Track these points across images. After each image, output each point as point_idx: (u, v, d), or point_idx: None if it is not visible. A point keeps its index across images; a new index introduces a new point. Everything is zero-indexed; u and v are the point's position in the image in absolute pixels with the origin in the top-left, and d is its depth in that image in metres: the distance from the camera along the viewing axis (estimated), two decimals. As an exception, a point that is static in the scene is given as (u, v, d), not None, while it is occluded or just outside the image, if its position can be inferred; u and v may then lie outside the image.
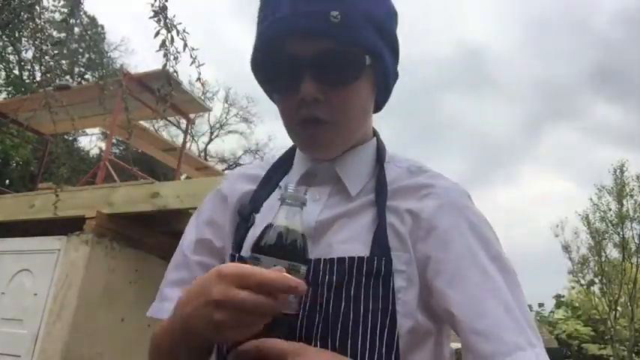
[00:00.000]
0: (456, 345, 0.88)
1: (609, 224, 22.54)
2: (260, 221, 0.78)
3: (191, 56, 2.95)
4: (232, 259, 0.78)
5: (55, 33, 6.48)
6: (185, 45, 2.91)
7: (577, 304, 28.76)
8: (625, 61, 46.62)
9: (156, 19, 2.84)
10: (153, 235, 4.45)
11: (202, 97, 13.22)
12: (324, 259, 0.72)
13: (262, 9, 0.77)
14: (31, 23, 3.68)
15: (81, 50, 16.49)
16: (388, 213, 0.75)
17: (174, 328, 0.65)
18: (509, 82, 54.84)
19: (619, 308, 22.23)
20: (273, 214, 0.65)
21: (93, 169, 7.67)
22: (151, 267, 4.34)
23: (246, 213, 0.81)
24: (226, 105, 24.44)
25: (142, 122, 7.61)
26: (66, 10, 3.68)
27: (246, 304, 0.56)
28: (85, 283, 4.03)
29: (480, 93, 54.07)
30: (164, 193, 4.13)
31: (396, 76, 0.83)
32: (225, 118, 24.60)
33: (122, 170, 7.05)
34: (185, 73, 9.83)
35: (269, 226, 0.64)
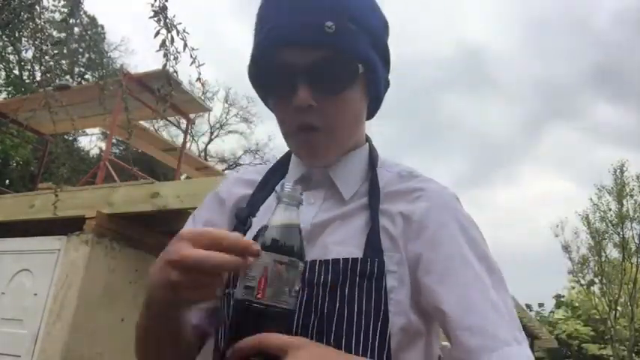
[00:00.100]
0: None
1: (609, 224, 22.56)
2: (257, 224, 0.80)
3: (191, 56, 2.95)
4: None
5: (55, 33, 6.48)
6: (185, 45, 2.92)
7: (577, 304, 28.79)
8: (625, 61, 46.67)
9: (156, 19, 2.84)
10: (153, 235, 4.45)
11: (202, 97, 13.22)
12: (320, 261, 0.74)
13: (259, 20, 0.79)
14: (31, 23, 3.68)
15: (81, 50, 16.52)
16: (381, 216, 0.78)
17: (144, 303, 0.68)
18: (509, 82, 54.90)
19: (619, 308, 22.24)
20: (271, 214, 0.67)
21: (93, 169, 7.67)
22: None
23: (243, 216, 0.84)
24: (226, 105, 24.45)
25: (142, 122, 7.61)
26: (66, 10, 3.68)
27: (196, 259, 0.58)
28: (85, 283, 4.04)
29: (480, 93, 54.13)
30: (164, 193, 4.14)
31: (387, 84, 0.87)
32: (225, 118, 24.61)
33: (122, 170, 7.06)
34: (185, 73, 9.83)
35: (267, 224, 0.65)
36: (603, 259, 22.50)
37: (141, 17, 3.04)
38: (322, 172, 0.84)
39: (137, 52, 32.24)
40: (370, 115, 0.89)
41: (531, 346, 12.70)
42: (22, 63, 16.56)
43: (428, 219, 0.77)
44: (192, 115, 7.44)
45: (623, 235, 22.12)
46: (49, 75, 3.65)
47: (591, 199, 23.17)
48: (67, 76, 15.96)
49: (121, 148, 15.20)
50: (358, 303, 0.71)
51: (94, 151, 19.77)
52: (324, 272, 0.73)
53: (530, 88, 52.36)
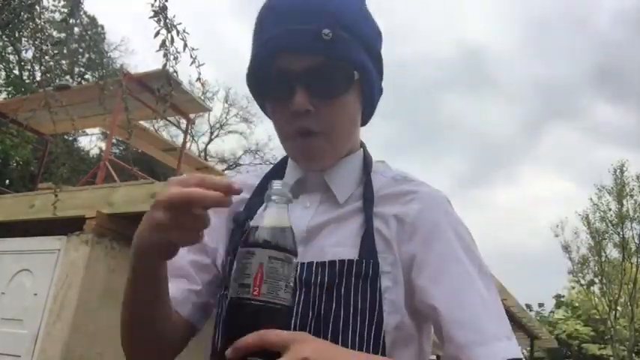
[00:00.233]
0: (431, 357, 0.91)
1: (609, 224, 22.57)
2: None
3: (191, 56, 2.95)
4: (227, 256, 0.84)
5: (55, 33, 6.48)
6: (185, 45, 2.91)
7: (577, 304, 28.79)
8: (625, 61, 46.65)
9: (156, 19, 2.83)
10: (153, 235, 4.44)
11: (202, 97, 13.23)
12: (317, 262, 0.77)
13: (258, 29, 0.82)
14: (31, 23, 3.68)
15: (81, 50, 16.52)
16: (375, 218, 0.80)
17: (130, 267, 0.70)
18: (509, 82, 54.90)
19: (619, 308, 22.24)
20: (261, 212, 0.68)
21: (93, 169, 7.67)
22: (151, 267, 4.34)
23: (241, 219, 0.86)
24: (226, 105, 24.45)
25: (142, 122, 7.61)
26: (66, 10, 3.68)
27: (182, 195, 0.59)
28: (85, 283, 4.04)
29: (480, 93, 54.11)
30: (164, 193, 4.12)
31: (380, 91, 0.89)
32: (225, 118, 24.61)
33: (122, 170, 7.06)
34: (185, 73, 9.84)
35: (258, 222, 0.65)
36: (603, 259, 22.51)
37: (141, 17, 3.04)
38: (318, 176, 0.86)
39: (137, 52, 32.25)
40: (364, 121, 0.91)
41: (531, 346, 12.70)
42: (22, 63, 16.56)
43: (421, 221, 0.79)
44: (192, 115, 7.44)
45: (623, 235, 22.15)
46: (49, 75, 3.64)
47: (591, 199, 23.21)
48: (67, 76, 15.97)
49: (121, 148, 15.19)
50: (354, 303, 0.74)
51: (94, 151, 19.78)
52: (321, 273, 0.76)
53: (530, 88, 52.38)
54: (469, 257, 0.77)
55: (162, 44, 2.86)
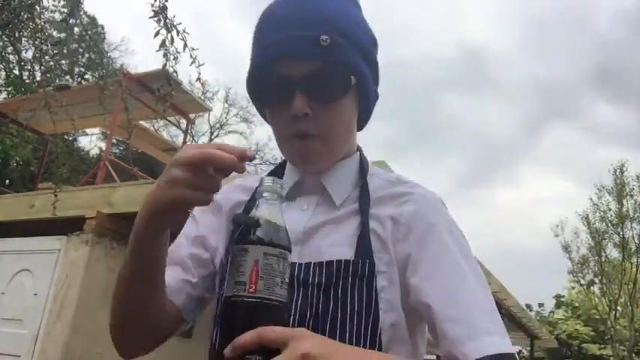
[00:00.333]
0: (431, 357, 0.92)
1: (609, 224, 22.57)
2: None
3: (191, 56, 2.95)
4: (227, 256, 0.85)
5: (55, 33, 6.48)
6: (185, 45, 2.91)
7: (577, 304, 28.79)
8: (625, 61, 46.64)
9: (156, 19, 2.83)
10: (153, 235, 4.45)
11: (202, 97, 13.23)
12: (314, 263, 0.79)
13: (258, 34, 0.84)
14: (31, 23, 3.68)
15: (81, 50, 16.51)
16: (371, 220, 0.82)
17: (133, 230, 0.71)
18: (509, 82, 54.91)
19: (619, 308, 22.24)
20: (254, 209, 0.67)
21: (93, 169, 7.67)
22: (151, 267, 4.34)
23: (240, 221, 0.86)
24: (226, 105, 24.47)
25: (142, 122, 7.61)
26: (66, 10, 3.68)
27: (192, 156, 0.63)
28: (85, 283, 4.04)
29: (480, 93, 54.13)
30: (164, 193, 4.12)
31: (376, 97, 0.92)
32: (225, 118, 24.63)
33: (122, 170, 7.06)
34: (185, 73, 9.85)
35: (251, 219, 0.65)
36: (603, 259, 22.51)
37: (141, 17, 3.04)
38: (315, 179, 0.88)
39: (137, 52, 32.25)
40: (360, 126, 0.93)
41: (531, 346, 12.69)
42: (22, 63, 16.56)
43: (415, 221, 0.81)
44: (192, 115, 7.44)
45: (623, 235, 22.14)
46: (49, 75, 3.65)
47: (591, 199, 23.20)
48: (67, 76, 15.97)
49: (121, 148, 15.19)
50: (351, 302, 0.76)
51: (94, 151, 19.78)
52: (318, 273, 0.78)
53: (530, 88, 52.40)
54: (463, 256, 0.78)
55: (162, 44, 2.86)
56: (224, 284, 0.81)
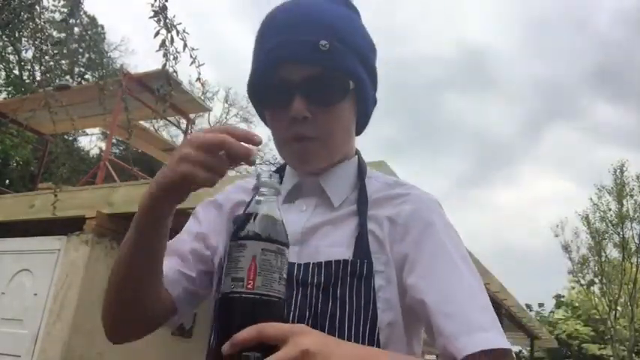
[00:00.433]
0: (430, 357, 0.93)
1: (609, 224, 22.56)
2: None
3: (191, 56, 2.95)
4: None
5: (55, 33, 6.48)
6: (185, 45, 2.91)
7: (577, 304, 28.77)
8: (625, 61, 46.64)
9: (156, 19, 2.83)
10: (153, 235, 4.44)
11: (202, 97, 13.22)
12: (313, 263, 0.80)
13: (259, 39, 0.86)
14: (31, 23, 3.68)
15: (81, 50, 16.50)
16: (369, 221, 0.84)
17: (139, 207, 0.72)
18: (510, 82, 54.90)
19: (619, 308, 22.23)
20: (250, 204, 0.67)
21: (93, 169, 7.66)
22: (151, 267, 4.34)
23: (239, 221, 0.86)
24: (226, 105, 24.44)
25: (142, 122, 7.61)
26: (66, 10, 3.68)
27: (207, 139, 0.65)
28: (85, 283, 4.04)
29: (480, 93, 54.13)
30: (164, 193, 4.12)
31: (374, 102, 0.93)
32: (225, 118, 24.59)
33: (122, 170, 7.06)
34: (185, 73, 9.85)
35: (249, 214, 0.64)
36: (603, 259, 22.50)
37: (141, 17, 3.04)
38: (313, 181, 0.89)
39: (137, 52, 32.24)
40: (358, 131, 0.95)
41: (531, 346, 12.68)
42: (22, 63, 16.56)
43: (412, 222, 0.82)
44: (192, 115, 7.43)
45: (623, 235, 22.13)
46: (49, 75, 3.65)
47: (591, 199, 23.18)
48: (67, 76, 15.96)
49: (121, 148, 15.19)
50: (349, 301, 0.77)
51: (94, 151, 19.76)
52: (317, 273, 0.79)
53: (531, 88, 52.39)
54: (459, 256, 0.80)
55: (162, 44, 2.86)
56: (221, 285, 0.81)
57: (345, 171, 0.91)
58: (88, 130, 14.84)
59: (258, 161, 0.68)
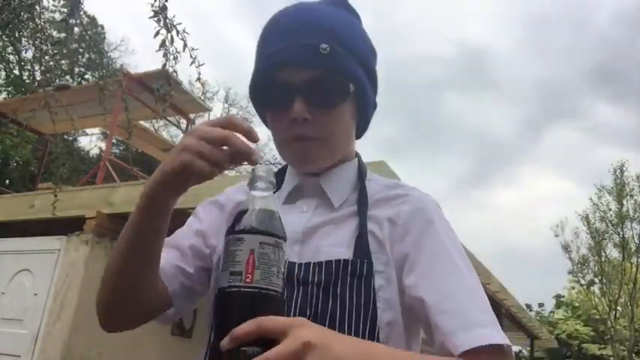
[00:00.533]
0: None
1: (609, 224, 22.56)
2: None
3: (191, 56, 2.95)
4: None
5: (55, 33, 6.47)
6: (185, 45, 2.91)
7: (577, 304, 28.76)
8: (625, 61, 46.64)
9: (156, 19, 2.83)
10: (153, 235, 4.44)
11: (202, 97, 13.21)
12: (314, 262, 0.81)
13: (261, 42, 0.88)
14: (31, 23, 3.68)
15: (81, 50, 16.47)
16: (369, 221, 0.85)
17: (141, 196, 0.74)
18: (509, 82, 54.91)
19: (619, 308, 22.23)
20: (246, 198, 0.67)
21: (93, 169, 7.65)
22: (151, 267, 4.34)
23: None
24: (226, 105, 24.47)
25: (142, 122, 7.61)
26: (66, 10, 3.68)
27: (212, 132, 0.67)
28: (85, 283, 4.04)
29: (480, 93, 54.13)
30: (164, 193, 4.12)
31: (374, 106, 0.94)
32: (225, 118, 24.56)
33: (122, 170, 7.06)
34: (185, 73, 9.86)
35: (245, 209, 0.64)
36: (603, 259, 22.50)
37: (141, 17, 3.04)
38: (314, 182, 0.90)
39: (137, 52, 32.22)
40: (358, 135, 0.96)
41: (531, 346, 12.67)
42: (22, 63, 16.55)
43: (412, 222, 0.83)
44: (192, 115, 7.43)
45: (623, 235, 22.13)
46: (49, 75, 3.65)
47: (591, 199, 23.19)
48: (67, 76, 15.95)
49: (121, 148, 15.19)
50: (349, 300, 0.77)
51: (94, 151, 19.77)
52: (318, 273, 0.79)
53: (531, 88, 52.38)
54: (459, 255, 0.80)
55: (162, 44, 2.86)
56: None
57: (345, 172, 0.92)
58: (88, 130, 14.84)
59: (259, 162, 0.67)
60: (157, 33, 2.84)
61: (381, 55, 0.93)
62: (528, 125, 55.28)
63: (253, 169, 0.67)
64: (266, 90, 0.86)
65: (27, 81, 15.94)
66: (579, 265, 23.80)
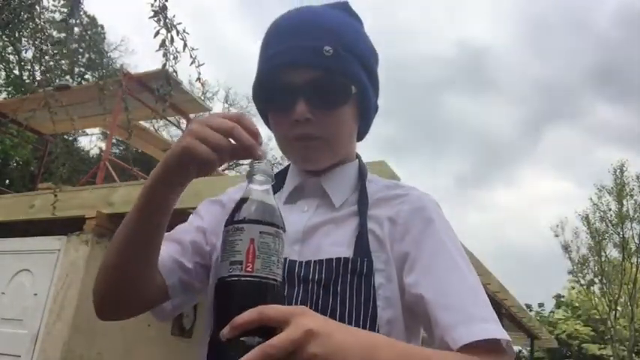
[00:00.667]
0: None
1: (609, 224, 22.56)
2: None
3: (191, 56, 2.94)
4: None
5: (55, 33, 6.47)
6: (185, 45, 2.91)
7: (577, 304, 28.76)
8: (625, 61, 46.63)
9: (156, 19, 2.83)
10: (153, 235, 4.44)
11: (202, 97, 13.21)
12: (314, 260, 0.81)
13: (265, 44, 0.89)
14: (31, 23, 3.68)
15: (81, 50, 16.47)
16: (369, 220, 0.85)
17: (144, 184, 0.76)
18: (510, 82, 54.91)
19: (619, 308, 22.24)
20: (246, 189, 0.67)
21: (93, 169, 7.65)
22: (151, 267, 4.34)
23: None
24: (226, 105, 24.44)
25: (142, 122, 7.61)
26: (66, 10, 3.68)
27: (218, 121, 0.68)
28: (85, 283, 4.03)
29: (480, 93, 54.13)
30: (164, 193, 4.12)
31: (376, 108, 0.95)
32: (225, 118, 24.55)
33: (122, 170, 7.05)
34: (185, 73, 9.85)
35: (244, 200, 0.64)
36: (603, 259, 22.50)
37: (141, 17, 3.04)
38: (315, 182, 0.91)
39: (137, 52, 32.22)
40: (360, 137, 0.97)
41: (531, 346, 12.67)
42: (22, 63, 16.55)
43: (412, 221, 0.84)
44: (192, 115, 7.42)
45: (623, 235, 22.14)
46: (49, 75, 3.64)
47: (591, 199, 23.20)
48: (67, 76, 15.95)
49: (121, 148, 15.19)
50: (350, 298, 0.78)
51: (94, 151, 19.76)
52: (318, 271, 0.80)
53: (531, 89, 52.38)
54: (459, 254, 0.81)
55: (162, 44, 2.86)
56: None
57: (346, 173, 0.93)
58: (88, 130, 14.84)
59: (258, 161, 0.67)
60: (157, 33, 2.84)
61: (381, 54, 0.94)
62: (528, 125, 55.33)
63: (252, 162, 0.67)
64: (269, 91, 0.87)
65: (27, 81, 15.94)
66: (579, 265, 23.82)
